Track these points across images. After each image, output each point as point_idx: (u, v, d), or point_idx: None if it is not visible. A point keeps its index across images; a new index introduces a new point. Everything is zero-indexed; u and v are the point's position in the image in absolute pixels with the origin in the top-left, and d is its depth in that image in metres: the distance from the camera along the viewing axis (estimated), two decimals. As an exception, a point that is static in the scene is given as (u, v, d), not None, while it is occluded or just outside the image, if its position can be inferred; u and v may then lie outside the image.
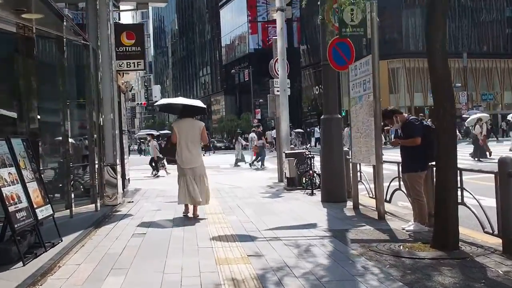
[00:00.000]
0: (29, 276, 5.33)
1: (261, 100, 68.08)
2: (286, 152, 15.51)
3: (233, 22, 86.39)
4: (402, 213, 9.36)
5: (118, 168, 11.45)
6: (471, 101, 63.03)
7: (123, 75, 14.55)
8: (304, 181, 14.60)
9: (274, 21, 62.75)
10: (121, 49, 12.28)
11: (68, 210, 9.30)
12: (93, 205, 10.57)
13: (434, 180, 7.42)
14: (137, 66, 12.44)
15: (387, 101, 64.41)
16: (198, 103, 10.84)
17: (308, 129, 58.37)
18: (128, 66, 12.34)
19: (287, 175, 14.97)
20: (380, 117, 8.93)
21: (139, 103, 71.40)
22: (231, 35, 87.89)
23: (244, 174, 21.87)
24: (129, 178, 15.14)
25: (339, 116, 11.77)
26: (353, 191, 10.59)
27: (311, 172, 13.54)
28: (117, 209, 10.97)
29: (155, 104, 13.02)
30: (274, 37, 18.30)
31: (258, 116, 66.93)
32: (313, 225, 8.58)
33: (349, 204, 10.77)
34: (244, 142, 28.57)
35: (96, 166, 10.67)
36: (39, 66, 9.41)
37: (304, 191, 13.73)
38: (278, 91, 17.54)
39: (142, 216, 10.03)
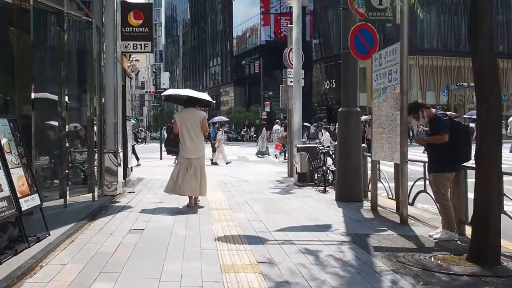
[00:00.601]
0: (2, 279, 4.55)
1: (270, 93, 67.33)
2: (298, 146, 14.70)
3: (245, 13, 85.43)
4: (425, 217, 8.54)
5: (120, 156, 10.68)
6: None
7: (129, 57, 13.73)
8: (316, 177, 13.82)
9: (287, 13, 62.56)
10: (127, 29, 11.46)
11: (63, 200, 8.54)
12: (91, 194, 9.85)
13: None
14: (144, 48, 11.61)
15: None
16: (204, 95, 10.88)
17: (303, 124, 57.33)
18: (135, 47, 11.53)
19: (298, 170, 14.16)
20: (406, 111, 8.11)
21: (148, 91, 70.37)
22: (243, 26, 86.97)
23: (252, 167, 21.07)
24: (132, 167, 14.37)
25: (358, 109, 10.94)
26: (371, 191, 9.78)
27: (324, 168, 12.73)
28: (116, 200, 10.21)
29: (161, 94, 12.31)
30: (290, 26, 17.43)
31: (267, 109, 66.14)
32: (329, 227, 7.77)
33: (366, 204, 9.97)
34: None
35: (96, 153, 9.89)
36: (35, 42, 8.62)
37: (316, 188, 12.94)
38: (291, 81, 16.72)
39: (142, 209, 9.25)
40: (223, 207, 9.62)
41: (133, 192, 11.72)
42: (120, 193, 10.80)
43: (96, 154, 9.99)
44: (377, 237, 7.08)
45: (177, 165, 9.93)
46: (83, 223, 7.52)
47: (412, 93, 64.82)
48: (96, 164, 9.90)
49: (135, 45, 11.55)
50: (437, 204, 7.45)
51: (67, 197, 8.58)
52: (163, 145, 21.95)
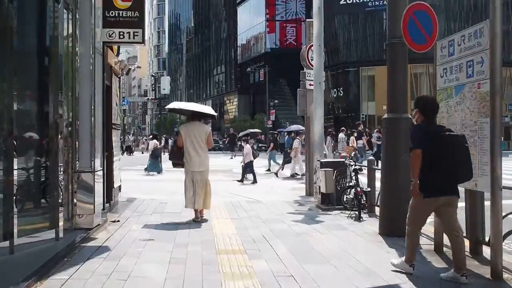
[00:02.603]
0: None
1: (276, 101, 65.34)
2: (321, 160, 12.19)
3: (250, 20, 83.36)
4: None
5: (98, 176, 8.18)
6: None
7: (117, 51, 11.23)
8: (345, 199, 11.30)
9: (292, 21, 60.23)
10: (112, 13, 8.99)
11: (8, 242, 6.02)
12: (67, 224, 7.39)
13: None
14: (133, 38, 9.10)
15: (409, 107, 60.99)
16: (208, 109, 11.00)
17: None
18: (121, 37, 9.02)
19: (322, 190, 11.64)
20: (499, 118, 5.63)
21: (149, 98, 68.28)
22: (248, 33, 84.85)
23: (261, 183, 18.52)
24: (120, 186, 11.85)
25: (409, 115, 8.44)
26: (436, 225, 7.25)
27: (358, 189, 10.20)
28: (91, 236, 7.67)
29: (166, 107, 12.63)
30: (308, 20, 15.00)
31: (273, 117, 64.07)
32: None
33: (423, 241, 7.47)
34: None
35: (62, 173, 7.36)
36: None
37: (346, 213, 10.45)
38: (311, 84, 14.25)
39: (122, 254, 6.69)
40: (234, 249, 7.09)
41: (118, 221, 9.21)
42: (99, 224, 8.27)
43: (63, 173, 7.45)
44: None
45: (188, 179, 9.85)
46: (27, 285, 5.00)
47: (423, 102, 62.51)
48: (62, 188, 7.36)
49: (121, 33, 9.02)
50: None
51: (15, 237, 6.04)
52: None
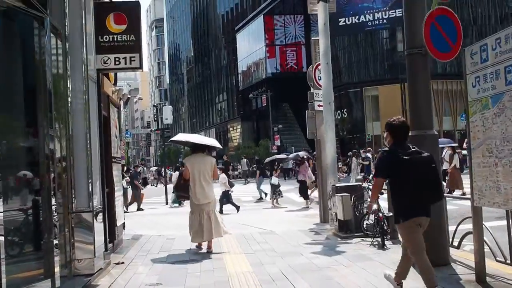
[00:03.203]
0: None
1: (280, 126, 64.75)
2: (337, 185, 11.43)
3: (250, 46, 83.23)
4: None
5: (97, 215, 7.44)
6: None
7: (114, 79, 10.57)
8: (365, 226, 10.53)
9: (292, 44, 59.84)
10: (106, 38, 8.33)
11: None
12: (65, 270, 6.65)
13: None
14: (130, 63, 8.42)
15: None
16: (211, 141, 11.10)
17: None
18: (117, 63, 8.34)
19: (340, 217, 10.86)
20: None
21: (153, 129, 67.42)
22: (248, 59, 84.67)
23: (271, 211, 17.75)
24: (123, 223, 11.09)
25: (435, 132, 7.72)
26: (475, 252, 6.45)
27: (380, 215, 9.42)
28: (92, 283, 6.91)
29: (170, 139, 12.81)
30: (314, 38, 14.39)
31: (278, 143, 63.38)
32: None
33: (460, 270, 6.73)
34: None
35: (57, 214, 6.62)
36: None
37: (368, 240, 9.67)
38: (319, 105, 13.57)
39: (128, 301, 5.98)
40: (252, 290, 6.33)
41: (122, 263, 8.45)
42: (101, 269, 7.52)
43: (58, 214, 6.71)
44: None
45: (194, 212, 9.73)
46: None
47: (428, 120, 61.83)
48: (58, 231, 6.61)
49: (117, 59, 8.34)
50: None
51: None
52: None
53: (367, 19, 62.26)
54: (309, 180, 19.15)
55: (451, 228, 7.93)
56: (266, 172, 28.51)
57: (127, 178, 20.00)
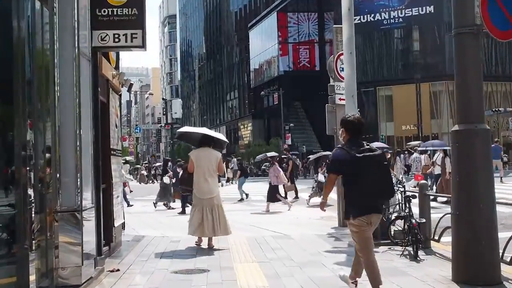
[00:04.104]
0: None
1: (291, 124, 63.82)
2: (360, 186, 10.30)
3: (262, 43, 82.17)
4: None
5: (88, 216, 6.35)
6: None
7: (115, 61, 9.46)
8: (392, 233, 9.40)
9: (305, 42, 59.22)
10: (104, 11, 7.24)
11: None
12: (46, 280, 5.56)
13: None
14: (131, 41, 7.29)
15: (429, 127, 59.06)
16: (219, 135, 10.83)
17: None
18: (117, 40, 7.25)
19: (363, 222, 9.73)
20: None
21: (162, 125, 66.56)
22: (260, 57, 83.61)
23: (284, 212, 16.63)
24: (123, 223, 9.99)
25: (487, 126, 6.56)
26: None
27: (414, 222, 8.26)
28: (77, 296, 5.85)
29: (176, 137, 12.85)
30: (335, 26, 13.24)
31: (289, 141, 62.34)
32: None
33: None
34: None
35: (35, 214, 5.52)
36: None
37: (396, 250, 8.57)
38: (341, 99, 12.44)
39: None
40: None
41: (117, 270, 7.34)
42: (90, 278, 6.43)
43: (38, 214, 5.61)
44: None
45: (193, 207, 9.66)
46: None
47: (442, 121, 60.45)
48: (36, 235, 5.51)
49: (116, 36, 7.25)
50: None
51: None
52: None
53: (383, 18, 61.05)
54: (284, 182, 18.10)
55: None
56: (248, 172, 27.71)
57: (170, 173, 18.83)
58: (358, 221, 5.64)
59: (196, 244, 9.54)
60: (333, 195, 16.18)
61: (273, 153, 22.25)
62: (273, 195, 17.27)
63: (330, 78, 13.14)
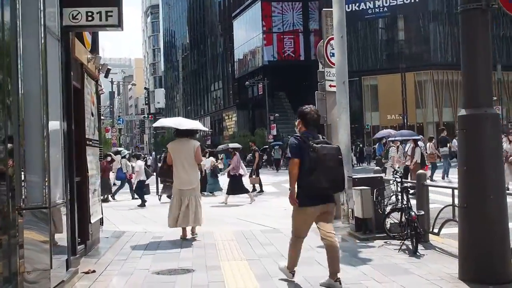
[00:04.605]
0: None
1: (276, 115, 63.37)
2: (354, 177, 9.75)
3: (246, 33, 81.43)
4: None
5: (58, 213, 5.71)
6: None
7: (92, 45, 8.75)
8: (388, 225, 8.87)
9: (290, 32, 58.73)
10: (75, -13, 6.61)
11: None
12: (9, 286, 4.93)
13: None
14: (106, 20, 6.60)
15: (414, 116, 58.80)
16: (196, 125, 10.79)
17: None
18: (90, 18, 6.57)
19: (357, 214, 9.19)
20: None
21: (146, 115, 65.16)
22: (245, 47, 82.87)
23: (270, 203, 16.07)
24: (101, 219, 9.32)
25: (497, 111, 6.02)
26: None
27: (413, 214, 7.70)
28: (44, 304, 5.21)
29: (153, 125, 12.95)
30: (325, 10, 12.61)
31: (274, 132, 61.92)
32: None
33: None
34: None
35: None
36: None
37: (393, 244, 8.06)
38: (331, 85, 11.87)
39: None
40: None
41: (93, 271, 6.71)
42: (62, 281, 5.80)
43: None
44: None
45: (173, 197, 9.62)
46: None
47: (427, 110, 60.32)
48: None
49: (90, 14, 6.57)
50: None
51: None
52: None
53: (367, 7, 60.49)
54: (241, 173, 17.02)
55: None
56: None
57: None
58: (304, 211, 5.80)
59: (181, 238, 9.33)
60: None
61: (236, 145, 21.39)
62: (234, 188, 16.53)
63: (320, 64, 12.52)
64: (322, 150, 5.60)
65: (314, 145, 5.61)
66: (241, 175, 16.77)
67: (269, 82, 64.38)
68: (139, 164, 17.38)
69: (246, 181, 18.21)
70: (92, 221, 8.08)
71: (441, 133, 23.63)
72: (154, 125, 11.92)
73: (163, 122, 12.51)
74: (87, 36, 8.39)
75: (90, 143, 8.26)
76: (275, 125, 63.14)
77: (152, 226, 11.30)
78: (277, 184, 23.96)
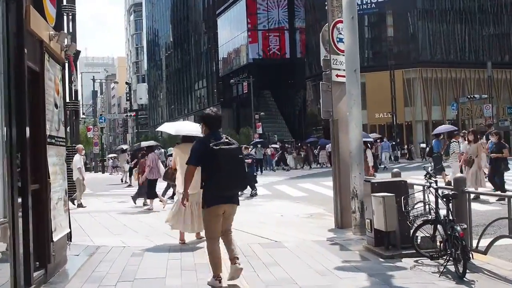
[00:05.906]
0: None
1: (262, 113, 62.21)
2: (372, 181, 8.21)
3: (231, 30, 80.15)
4: None
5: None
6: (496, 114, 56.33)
7: (56, 19, 7.08)
8: (418, 240, 7.32)
9: (275, 29, 57.16)
10: None
11: None
12: None
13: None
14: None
15: (402, 115, 57.58)
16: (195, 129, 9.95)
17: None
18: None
19: (377, 226, 7.63)
20: None
21: (128, 114, 63.45)
22: (229, 44, 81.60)
23: (268, 208, 14.49)
24: (69, 233, 7.63)
25: None
26: None
27: (460, 230, 6.14)
28: None
29: (157, 129, 13.27)
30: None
31: (260, 130, 60.70)
32: None
33: None
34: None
35: None
36: None
37: (429, 265, 6.52)
38: (339, 75, 10.34)
39: None
40: None
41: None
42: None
43: None
44: None
45: (177, 202, 9.34)
46: None
47: (416, 109, 59.24)
48: None
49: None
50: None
51: None
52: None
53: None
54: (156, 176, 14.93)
55: None
56: None
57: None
58: (211, 210, 5.95)
59: (180, 243, 9.05)
60: (329, 192, 14.25)
61: (151, 142, 19.34)
62: (151, 191, 14.80)
63: (324, 51, 10.96)
64: (221, 152, 5.81)
65: (214, 147, 5.81)
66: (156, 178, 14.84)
67: (254, 80, 63.25)
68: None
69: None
70: (56, 238, 6.42)
71: (489, 128, 21.74)
72: (158, 129, 11.91)
73: (166, 126, 12.16)
74: (50, 9, 6.75)
75: (53, 141, 6.61)
76: (260, 123, 61.92)
77: (132, 238, 9.69)
78: (268, 185, 22.39)
